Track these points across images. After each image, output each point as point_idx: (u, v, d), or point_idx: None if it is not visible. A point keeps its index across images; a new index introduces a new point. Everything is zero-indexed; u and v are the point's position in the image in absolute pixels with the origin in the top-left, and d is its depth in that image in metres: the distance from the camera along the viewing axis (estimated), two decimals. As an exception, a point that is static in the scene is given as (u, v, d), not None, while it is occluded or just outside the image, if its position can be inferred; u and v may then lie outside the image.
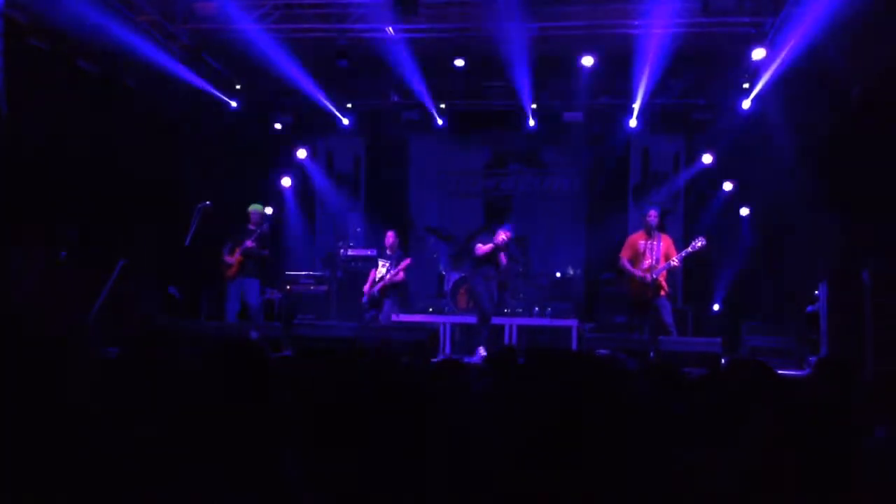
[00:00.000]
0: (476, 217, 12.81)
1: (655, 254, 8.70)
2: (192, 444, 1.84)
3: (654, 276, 8.60)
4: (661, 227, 9.27)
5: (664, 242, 8.80)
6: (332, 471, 2.09)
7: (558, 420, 1.52)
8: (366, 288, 9.75)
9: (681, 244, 11.99)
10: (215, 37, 9.92)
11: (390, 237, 9.77)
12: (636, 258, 8.80)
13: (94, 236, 8.72)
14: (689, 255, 8.73)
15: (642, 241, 8.83)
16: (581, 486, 1.38)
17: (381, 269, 9.72)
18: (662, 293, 8.72)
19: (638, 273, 8.68)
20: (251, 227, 9.38)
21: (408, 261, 9.64)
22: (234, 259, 9.32)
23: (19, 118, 7.20)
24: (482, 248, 9.03)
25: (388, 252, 9.75)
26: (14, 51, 7.42)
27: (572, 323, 10.34)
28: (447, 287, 11.05)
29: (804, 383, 2.68)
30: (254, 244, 9.27)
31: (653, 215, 8.88)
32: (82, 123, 8.57)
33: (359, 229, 12.57)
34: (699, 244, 8.68)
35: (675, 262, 8.66)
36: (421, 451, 2.12)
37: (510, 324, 10.47)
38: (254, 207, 9.53)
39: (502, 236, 9.03)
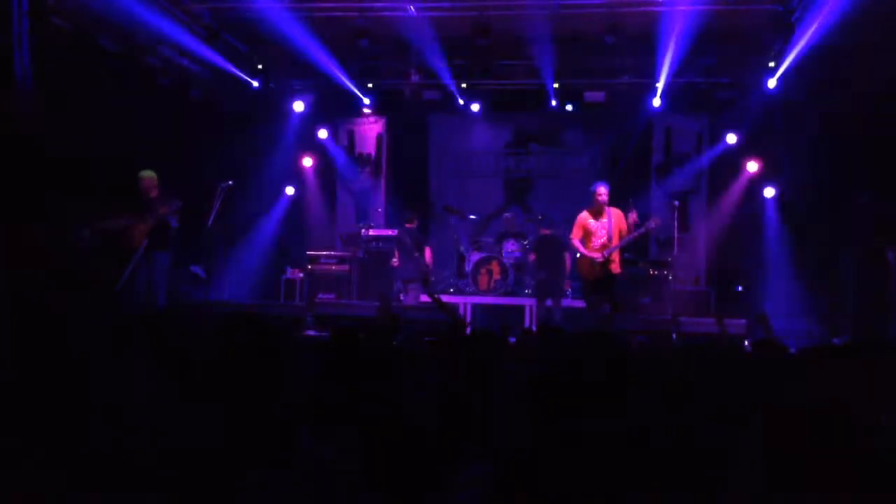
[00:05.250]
0: (496, 197, 12.78)
1: (608, 231, 8.45)
2: (208, 418, 1.86)
3: (606, 255, 8.39)
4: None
5: (615, 219, 8.50)
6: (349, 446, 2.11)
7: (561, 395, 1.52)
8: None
9: (701, 225, 12.01)
10: (237, 16, 9.92)
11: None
12: (587, 237, 8.55)
13: (116, 215, 8.78)
14: (643, 234, 8.60)
15: (592, 220, 8.55)
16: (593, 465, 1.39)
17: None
18: (613, 269, 8.52)
19: (588, 253, 8.48)
20: (153, 195, 8.32)
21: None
22: (139, 228, 8.13)
23: (43, 97, 7.25)
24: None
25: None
26: (37, 30, 7.46)
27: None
28: (468, 268, 11.04)
29: (821, 363, 2.65)
30: (168, 211, 8.19)
31: (602, 192, 8.51)
32: (104, 102, 8.62)
33: (380, 209, 12.59)
34: (653, 224, 8.55)
35: (626, 241, 8.48)
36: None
37: (530, 304, 10.46)
38: (148, 174, 8.39)
39: None
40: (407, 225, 10.29)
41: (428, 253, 10.26)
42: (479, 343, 3.10)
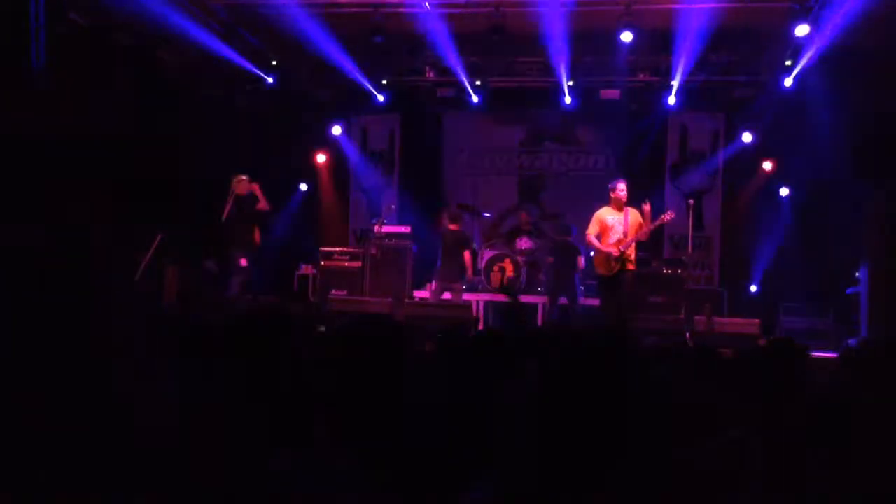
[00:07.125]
0: (510, 195, 12.74)
1: (624, 228, 8.37)
2: (226, 405, 1.86)
3: (623, 250, 8.30)
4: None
5: (632, 216, 8.43)
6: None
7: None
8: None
9: (718, 224, 11.94)
10: (252, 12, 9.93)
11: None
12: (604, 233, 8.46)
13: (130, 210, 8.82)
14: (658, 227, 8.59)
15: (610, 216, 8.47)
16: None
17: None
18: (630, 267, 8.42)
19: (604, 248, 8.38)
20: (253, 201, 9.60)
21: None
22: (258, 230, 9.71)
23: (58, 92, 7.28)
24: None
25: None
26: (53, 25, 7.49)
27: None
28: (480, 265, 11.01)
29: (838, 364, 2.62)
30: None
31: (621, 188, 8.45)
32: (119, 98, 8.66)
33: (393, 206, 12.58)
34: (668, 217, 8.52)
35: (642, 235, 8.38)
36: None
37: (543, 302, 10.42)
38: (247, 179, 9.64)
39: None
40: (451, 226, 9.94)
41: (467, 255, 9.98)
42: (491, 343, 3.08)
